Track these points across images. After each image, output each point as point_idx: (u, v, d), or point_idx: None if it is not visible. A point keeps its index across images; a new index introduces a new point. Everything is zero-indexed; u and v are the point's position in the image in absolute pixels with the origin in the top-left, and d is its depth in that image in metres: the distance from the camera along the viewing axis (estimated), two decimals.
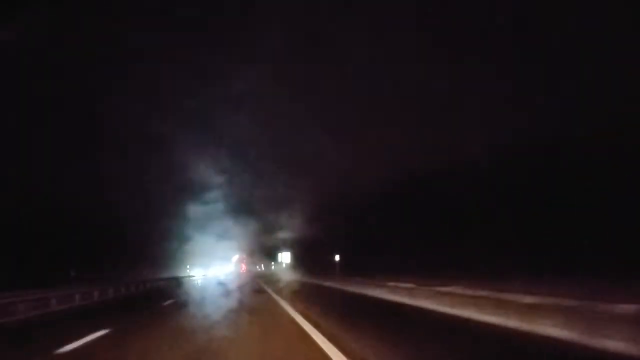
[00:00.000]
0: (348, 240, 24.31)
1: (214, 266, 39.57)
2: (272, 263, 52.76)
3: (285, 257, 44.07)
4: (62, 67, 11.07)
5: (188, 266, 32.13)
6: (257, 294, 15.90)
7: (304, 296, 14.29)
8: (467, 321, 6.93)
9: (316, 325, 6.74)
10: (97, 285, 15.22)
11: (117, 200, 19.73)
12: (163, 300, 13.38)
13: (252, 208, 22.40)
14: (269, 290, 17.01)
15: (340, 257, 23.28)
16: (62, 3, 7.48)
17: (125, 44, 10.59)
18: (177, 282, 22.30)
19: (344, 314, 8.83)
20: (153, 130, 15.14)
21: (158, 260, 20.75)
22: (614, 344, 4.28)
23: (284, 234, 32.47)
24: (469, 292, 7.89)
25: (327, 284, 19.94)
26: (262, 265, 55.74)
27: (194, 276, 31.44)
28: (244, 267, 44.59)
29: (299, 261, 38.20)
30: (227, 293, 17.48)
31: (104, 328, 6.98)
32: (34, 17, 6.44)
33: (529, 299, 5.99)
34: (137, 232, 19.21)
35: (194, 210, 19.05)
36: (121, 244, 20.51)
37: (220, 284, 23.77)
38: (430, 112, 12.88)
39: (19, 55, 8.00)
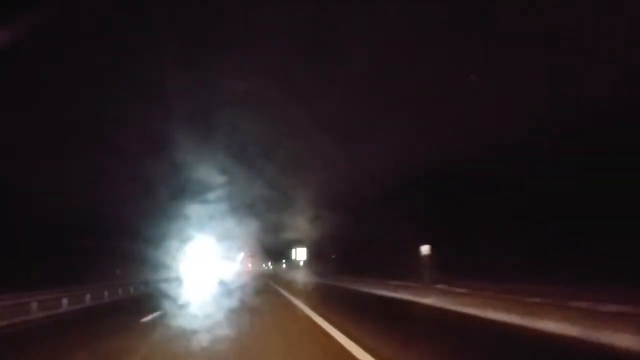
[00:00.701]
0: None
1: (218, 265, 38.82)
2: (284, 261, 48.03)
3: (300, 254, 36.54)
4: (61, 67, 11.02)
5: (189, 266, 31.88)
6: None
7: None
8: None
9: None
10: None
11: (115, 199, 19.70)
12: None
13: (257, 203, 22.02)
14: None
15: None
16: (62, 4, 7.42)
17: (125, 44, 10.52)
18: (175, 283, 22.21)
19: None
20: (154, 130, 15.05)
21: (159, 261, 20.68)
22: None
23: (297, 228, 28.49)
24: None
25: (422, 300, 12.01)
26: (269, 263, 53.45)
27: (193, 276, 31.22)
28: (249, 266, 43.77)
29: (322, 258, 32.22)
30: (229, 294, 17.39)
31: None
32: (34, 18, 6.39)
33: None
34: (136, 233, 19.15)
35: (197, 209, 18.94)
36: (119, 245, 20.45)
37: (222, 284, 23.66)
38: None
39: (18, 55, 7.93)
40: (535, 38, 9.68)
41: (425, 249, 13.92)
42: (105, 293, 16.72)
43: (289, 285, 23.37)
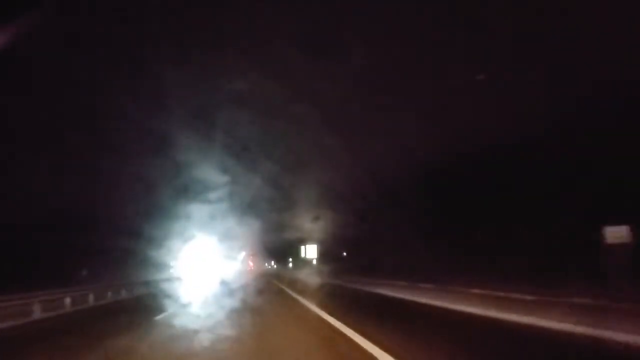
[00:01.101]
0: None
1: (219, 265, 38.18)
2: (290, 259, 45.75)
3: (310, 252, 31.77)
4: (61, 66, 11.03)
5: (189, 266, 31.73)
6: None
7: None
8: None
9: None
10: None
11: (115, 199, 19.68)
12: None
13: (259, 202, 21.85)
14: None
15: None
16: (62, 4, 7.43)
17: (125, 44, 10.53)
18: (174, 285, 22.11)
19: None
20: (155, 129, 15.07)
21: (159, 261, 20.67)
22: None
23: (301, 227, 25.34)
24: None
25: None
26: (273, 262, 52.15)
27: (193, 276, 30.96)
28: (251, 265, 43.22)
29: (331, 256, 28.61)
30: (230, 294, 17.36)
31: None
32: (34, 18, 6.40)
33: None
34: (137, 232, 19.14)
35: (197, 208, 18.90)
36: (119, 245, 20.42)
37: (224, 283, 23.63)
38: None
39: (18, 55, 7.94)
40: (535, 38, 9.67)
41: (618, 233, 7.59)
42: (37, 307, 12.01)
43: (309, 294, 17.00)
